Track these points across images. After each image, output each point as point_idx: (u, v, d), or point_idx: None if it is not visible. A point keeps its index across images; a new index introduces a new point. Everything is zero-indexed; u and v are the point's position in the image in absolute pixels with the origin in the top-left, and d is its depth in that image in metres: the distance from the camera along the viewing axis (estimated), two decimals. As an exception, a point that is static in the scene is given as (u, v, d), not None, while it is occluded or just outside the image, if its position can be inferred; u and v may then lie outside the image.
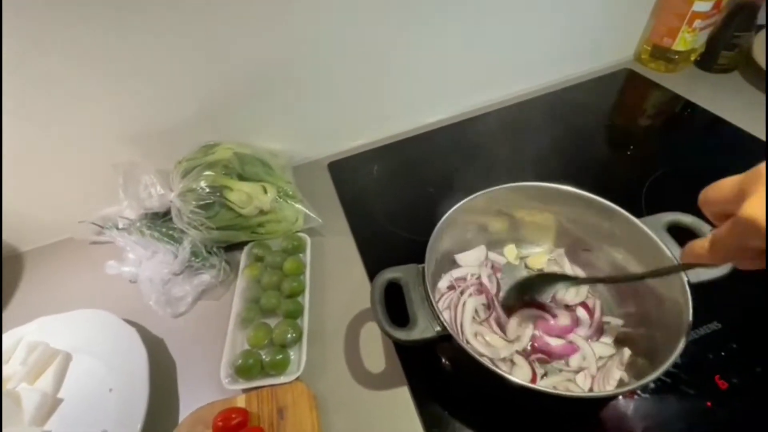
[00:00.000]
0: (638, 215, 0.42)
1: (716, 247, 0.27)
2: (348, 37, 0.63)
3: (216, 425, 0.41)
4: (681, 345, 0.33)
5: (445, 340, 0.37)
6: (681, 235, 0.40)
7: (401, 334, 0.37)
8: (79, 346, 0.52)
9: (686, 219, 0.42)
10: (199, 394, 0.47)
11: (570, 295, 0.48)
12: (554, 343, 0.44)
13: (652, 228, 0.41)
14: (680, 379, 0.42)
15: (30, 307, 0.61)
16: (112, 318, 0.52)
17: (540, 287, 0.45)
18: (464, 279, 0.50)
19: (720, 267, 0.37)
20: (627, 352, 0.41)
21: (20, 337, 0.52)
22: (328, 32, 0.61)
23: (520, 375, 0.42)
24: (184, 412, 0.46)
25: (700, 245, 0.29)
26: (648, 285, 0.41)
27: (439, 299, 0.48)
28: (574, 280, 0.45)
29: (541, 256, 0.53)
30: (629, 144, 0.73)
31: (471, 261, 0.51)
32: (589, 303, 0.47)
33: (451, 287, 0.50)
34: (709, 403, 0.40)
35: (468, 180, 0.60)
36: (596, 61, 0.86)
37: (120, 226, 0.61)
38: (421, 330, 0.37)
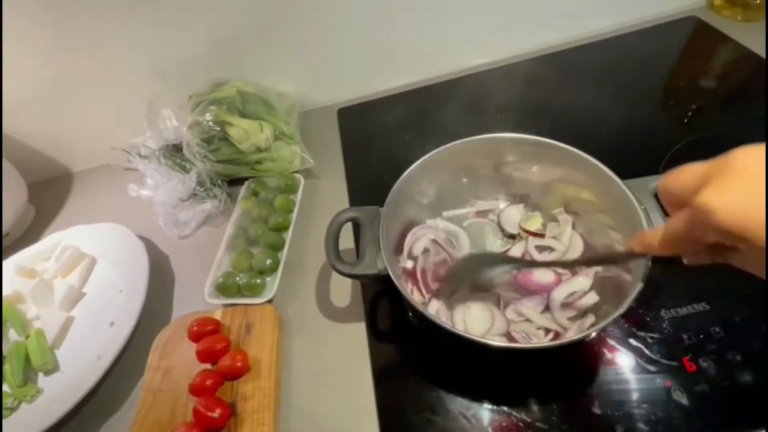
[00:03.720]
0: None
1: (667, 237, 0.26)
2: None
3: (191, 329, 0.47)
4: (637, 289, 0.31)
5: (386, 280, 0.38)
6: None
7: (345, 267, 0.39)
8: (103, 252, 0.61)
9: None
10: (188, 304, 0.54)
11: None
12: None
13: (638, 192, 0.37)
14: (643, 354, 0.39)
15: (76, 216, 0.71)
16: (128, 233, 0.60)
17: (486, 268, 0.41)
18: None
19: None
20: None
21: (59, 240, 0.62)
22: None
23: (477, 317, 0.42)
24: (176, 316, 0.53)
25: (651, 235, 0.28)
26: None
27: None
28: (521, 263, 0.43)
29: (536, 220, 0.49)
30: (687, 108, 0.61)
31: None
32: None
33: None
34: (668, 383, 0.37)
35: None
36: (658, 6, 0.74)
37: (142, 153, 0.67)
38: (365, 266, 0.38)
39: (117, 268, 0.58)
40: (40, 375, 0.50)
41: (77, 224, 0.65)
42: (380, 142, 0.68)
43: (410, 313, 0.46)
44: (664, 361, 0.38)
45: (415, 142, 0.67)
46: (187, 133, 0.61)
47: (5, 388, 0.49)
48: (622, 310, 0.32)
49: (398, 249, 0.46)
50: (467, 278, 0.43)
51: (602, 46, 0.73)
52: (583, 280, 0.42)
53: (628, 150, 0.54)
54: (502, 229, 0.49)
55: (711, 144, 0.54)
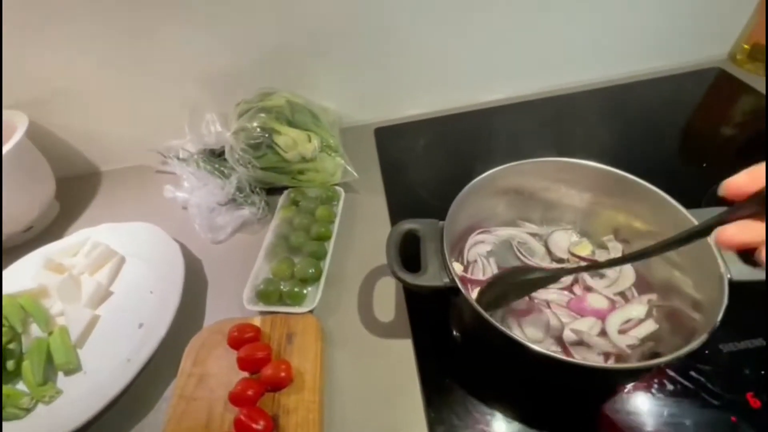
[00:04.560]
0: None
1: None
2: (414, 3, 0.63)
3: (231, 335, 0.45)
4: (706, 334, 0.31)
5: (453, 293, 0.37)
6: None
7: (409, 277, 0.38)
8: (133, 251, 0.59)
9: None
10: (222, 310, 0.52)
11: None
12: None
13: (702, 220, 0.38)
14: (705, 388, 0.38)
15: (102, 215, 0.70)
16: (163, 233, 0.59)
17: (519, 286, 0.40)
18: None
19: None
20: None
21: (88, 236, 0.60)
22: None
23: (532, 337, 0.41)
24: (209, 321, 0.51)
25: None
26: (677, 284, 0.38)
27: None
28: (554, 273, 0.40)
29: (585, 246, 0.49)
30: (707, 154, 0.64)
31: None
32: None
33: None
34: (734, 418, 0.36)
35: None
36: (683, 57, 0.78)
37: (180, 156, 0.67)
38: (429, 277, 0.38)
39: (149, 269, 0.56)
40: (59, 375, 0.48)
41: (104, 221, 0.63)
42: (416, 162, 0.69)
43: (455, 332, 0.45)
44: (728, 396, 0.38)
45: (451, 165, 0.68)
46: (232, 138, 0.61)
47: (22, 386, 0.46)
48: (696, 344, 0.31)
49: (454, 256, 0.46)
50: (512, 291, 0.41)
51: (622, 89, 0.77)
52: (638, 307, 0.42)
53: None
54: (551, 253, 0.49)
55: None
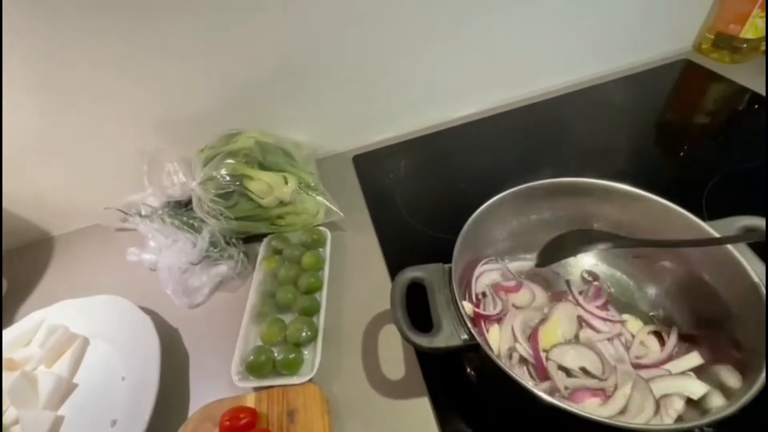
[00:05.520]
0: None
1: None
2: (376, 29, 0.60)
3: (223, 424, 0.39)
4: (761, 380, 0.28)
5: (472, 349, 0.33)
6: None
7: (423, 341, 0.33)
8: (97, 331, 0.52)
9: (762, 224, 0.35)
10: (210, 388, 0.45)
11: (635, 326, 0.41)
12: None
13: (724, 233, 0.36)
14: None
15: (56, 290, 0.61)
16: (129, 305, 0.52)
17: (574, 245, 0.39)
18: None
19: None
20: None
21: (42, 318, 0.53)
22: (354, 22, 0.58)
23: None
24: (195, 405, 0.45)
25: None
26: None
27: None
28: (615, 240, 0.38)
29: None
30: (684, 143, 0.65)
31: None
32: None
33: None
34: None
35: (501, 178, 0.54)
36: (650, 52, 0.79)
37: (143, 213, 0.60)
38: (446, 337, 0.33)
39: (118, 350, 0.49)
40: (21, 500, 0.40)
41: (61, 299, 0.55)
42: (402, 188, 0.65)
43: (469, 369, 0.41)
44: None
45: (435, 188, 0.65)
46: (199, 188, 0.55)
47: None
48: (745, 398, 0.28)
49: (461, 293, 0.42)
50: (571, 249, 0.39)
51: (594, 91, 0.76)
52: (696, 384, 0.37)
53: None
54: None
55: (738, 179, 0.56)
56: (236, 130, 0.60)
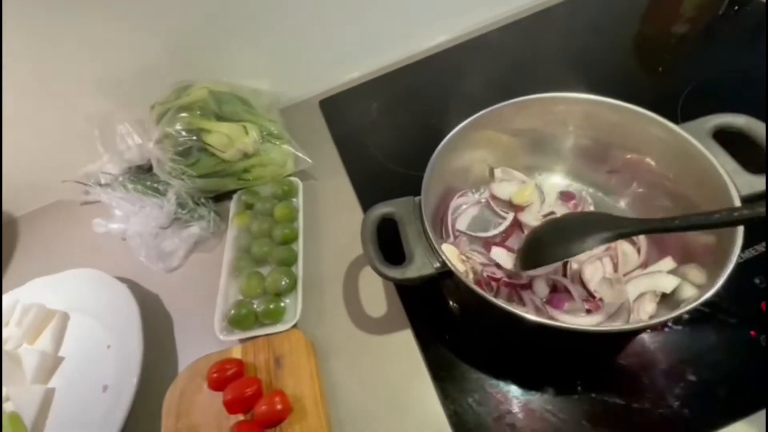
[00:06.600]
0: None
1: None
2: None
3: (211, 377, 0.39)
4: (726, 273, 0.28)
5: (446, 277, 0.33)
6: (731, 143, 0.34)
7: (396, 273, 0.33)
8: (75, 305, 0.51)
9: (738, 120, 0.34)
10: (197, 346, 0.45)
11: None
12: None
13: (696, 136, 0.34)
14: (719, 308, 0.37)
15: (27, 270, 0.59)
16: (103, 276, 0.51)
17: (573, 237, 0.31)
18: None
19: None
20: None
21: (16, 299, 0.51)
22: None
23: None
24: (184, 364, 0.45)
25: None
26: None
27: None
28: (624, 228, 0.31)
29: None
30: (662, 55, 0.62)
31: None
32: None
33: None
34: (753, 332, 0.35)
35: (475, 106, 0.52)
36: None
37: (102, 182, 0.57)
38: (418, 267, 0.33)
39: (99, 321, 0.49)
40: (26, 466, 0.41)
41: (32, 276, 0.54)
42: (373, 128, 0.63)
43: (452, 302, 0.42)
44: (743, 310, 0.36)
45: (409, 125, 0.62)
46: (156, 149, 0.52)
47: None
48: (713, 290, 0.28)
49: (436, 229, 0.41)
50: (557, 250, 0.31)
51: (568, 6, 0.71)
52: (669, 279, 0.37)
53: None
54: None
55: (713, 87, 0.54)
56: (187, 81, 0.55)
